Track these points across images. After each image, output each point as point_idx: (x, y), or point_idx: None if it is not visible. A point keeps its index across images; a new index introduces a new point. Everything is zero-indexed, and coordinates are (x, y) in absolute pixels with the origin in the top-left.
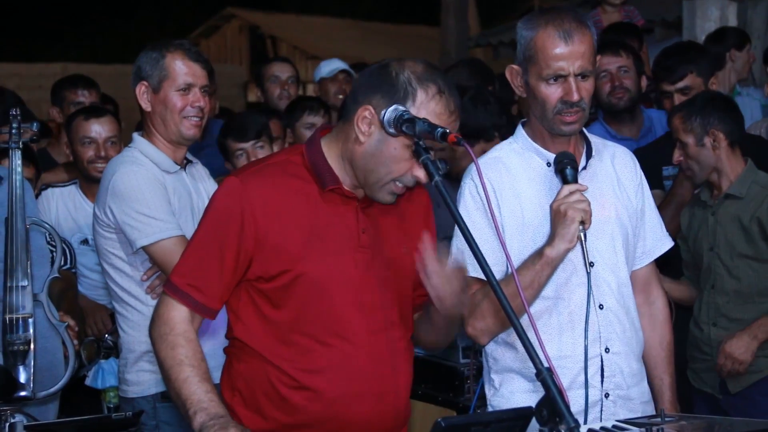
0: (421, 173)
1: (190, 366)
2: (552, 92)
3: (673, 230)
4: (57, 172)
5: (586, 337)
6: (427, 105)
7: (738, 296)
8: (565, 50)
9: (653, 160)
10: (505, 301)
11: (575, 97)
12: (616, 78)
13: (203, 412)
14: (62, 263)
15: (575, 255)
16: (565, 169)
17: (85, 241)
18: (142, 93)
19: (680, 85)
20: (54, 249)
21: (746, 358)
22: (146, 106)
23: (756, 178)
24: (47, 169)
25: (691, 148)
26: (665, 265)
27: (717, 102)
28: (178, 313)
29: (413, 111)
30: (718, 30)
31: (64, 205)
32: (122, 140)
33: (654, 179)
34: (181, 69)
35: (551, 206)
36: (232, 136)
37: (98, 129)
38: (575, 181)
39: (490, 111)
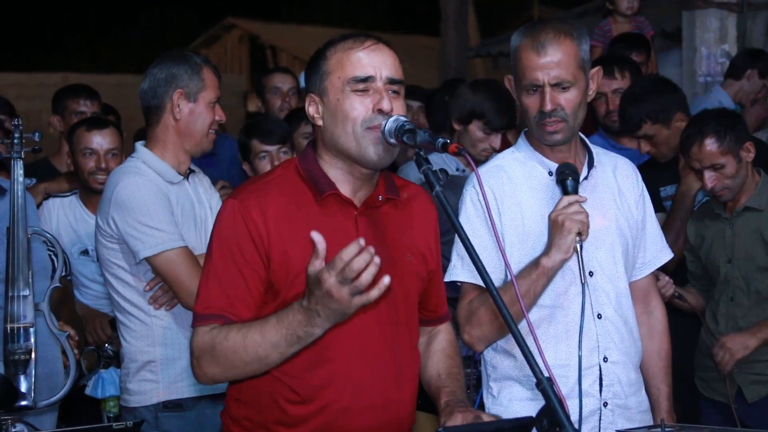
0: (383, 104)
1: (249, 331)
2: (532, 102)
3: (683, 246)
4: (59, 182)
5: (579, 347)
6: (336, 52)
7: (757, 308)
8: (538, 61)
9: (651, 181)
10: (504, 309)
11: (547, 107)
12: (611, 101)
13: (292, 312)
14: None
15: (575, 265)
16: (566, 180)
17: (85, 252)
18: (177, 100)
19: (640, 133)
20: (55, 258)
21: (740, 354)
22: (177, 114)
23: None
24: (49, 178)
25: (731, 168)
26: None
27: (730, 115)
28: (204, 330)
29: (331, 64)
30: (757, 50)
31: (64, 216)
32: (123, 151)
33: (652, 200)
34: (214, 83)
35: (549, 216)
36: (259, 137)
37: (99, 140)
38: (575, 192)
39: None
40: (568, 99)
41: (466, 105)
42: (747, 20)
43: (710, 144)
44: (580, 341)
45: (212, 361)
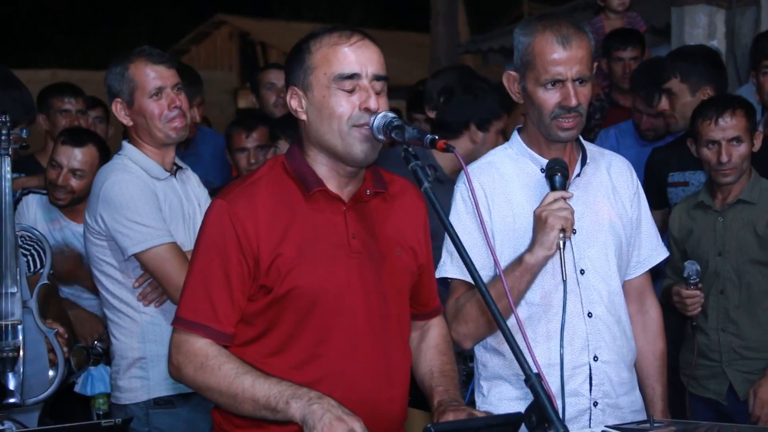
0: (370, 102)
1: (246, 373)
2: (549, 97)
3: None
4: (38, 178)
5: (561, 345)
6: (321, 47)
7: (748, 302)
8: (563, 55)
9: (659, 167)
10: (493, 305)
11: (573, 102)
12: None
13: (295, 399)
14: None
15: (567, 262)
16: (554, 175)
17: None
18: (119, 110)
19: (666, 86)
20: (43, 255)
21: None
22: (127, 121)
23: (762, 185)
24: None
25: (746, 147)
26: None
27: (747, 101)
28: (203, 342)
29: (316, 59)
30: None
31: (41, 214)
32: (110, 149)
33: (660, 187)
34: (148, 75)
35: (534, 212)
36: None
37: (68, 157)
38: (563, 188)
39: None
40: (585, 94)
41: (432, 90)
42: (736, 16)
43: (741, 115)
44: (561, 339)
45: (193, 371)
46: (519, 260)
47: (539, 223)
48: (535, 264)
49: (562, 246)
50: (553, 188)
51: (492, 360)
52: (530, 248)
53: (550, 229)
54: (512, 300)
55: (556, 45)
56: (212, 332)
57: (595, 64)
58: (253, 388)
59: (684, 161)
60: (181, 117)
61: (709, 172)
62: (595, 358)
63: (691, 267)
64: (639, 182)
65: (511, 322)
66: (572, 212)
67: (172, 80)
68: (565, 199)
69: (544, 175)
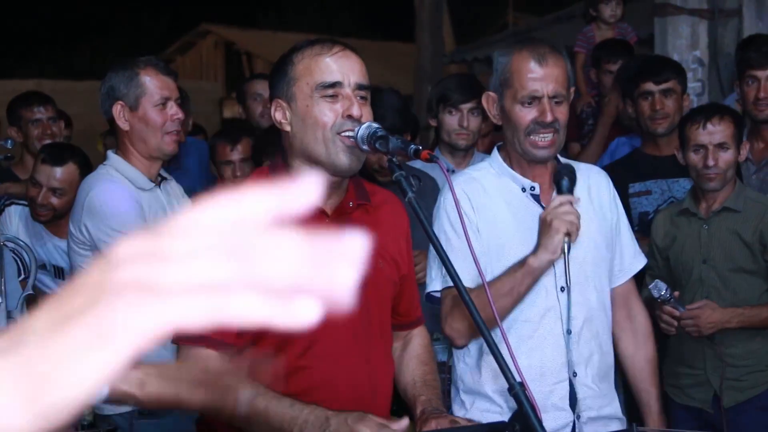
0: (353, 110)
1: (261, 394)
2: (525, 114)
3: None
4: (21, 186)
5: (568, 348)
6: (303, 58)
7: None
8: (539, 72)
9: (620, 177)
10: (478, 317)
11: (549, 117)
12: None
13: (310, 425)
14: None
15: (547, 279)
16: (561, 179)
17: (42, 266)
18: (119, 113)
19: (664, 86)
20: (28, 265)
21: (708, 332)
22: (124, 125)
23: (747, 194)
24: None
25: (732, 154)
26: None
27: (735, 111)
28: (212, 359)
29: (299, 70)
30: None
31: (23, 226)
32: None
33: (620, 196)
34: (156, 84)
35: (540, 216)
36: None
37: (47, 176)
38: (569, 192)
39: None
40: (562, 112)
41: (432, 98)
42: (718, 27)
43: (729, 122)
44: (568, 344)
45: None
46: (522, 262)
47: (544, 226)
48: (539, 267)
49: (566, 250)
50: (559, 192)
51: (473, 376)
52: (535, 251)
53: (555, 233)
54: (508, 302)
55: (533, 62)
56: (216, 343)
57: (572, 90)
58: (267, 410)
59: (642, 172)
60: (177, 132)
61: (695, 178)
62: (574, 374)
63: (657, 287)
64: (615, 191)
65: (494, 331)
66: (578, 216)
67: (176, 93)
68: (571, 203)
69: (552, 178)
